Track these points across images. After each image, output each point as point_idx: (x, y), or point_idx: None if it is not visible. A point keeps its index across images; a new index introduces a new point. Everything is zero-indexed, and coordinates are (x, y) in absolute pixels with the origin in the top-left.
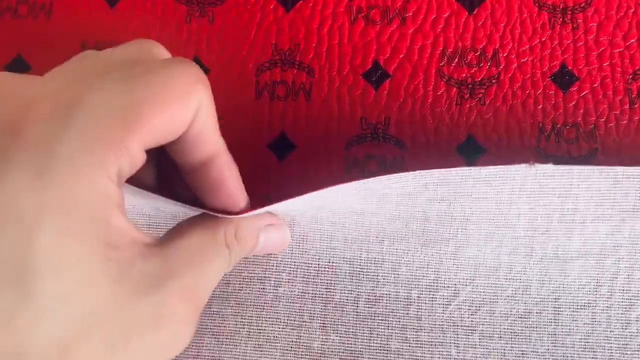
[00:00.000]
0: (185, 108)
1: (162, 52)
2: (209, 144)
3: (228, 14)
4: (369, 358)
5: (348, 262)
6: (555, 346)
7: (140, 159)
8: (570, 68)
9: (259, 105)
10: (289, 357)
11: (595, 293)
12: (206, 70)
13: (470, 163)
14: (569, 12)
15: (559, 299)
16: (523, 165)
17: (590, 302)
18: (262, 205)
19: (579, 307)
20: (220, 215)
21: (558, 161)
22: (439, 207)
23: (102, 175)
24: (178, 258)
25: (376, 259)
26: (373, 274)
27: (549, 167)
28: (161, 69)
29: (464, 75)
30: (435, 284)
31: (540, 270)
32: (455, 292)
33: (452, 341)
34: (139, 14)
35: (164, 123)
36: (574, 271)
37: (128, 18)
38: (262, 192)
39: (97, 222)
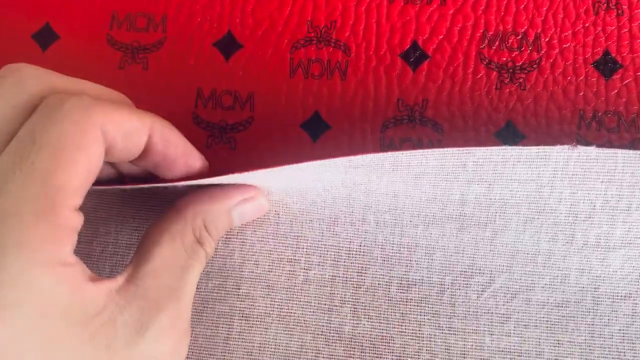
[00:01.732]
0: (93, 148)
1: (37, 77)
2: (137, 137)
3: None
4: (400, 344)
5: (380, 247)
6: (592, 336)
7: (79, 220)
8: (613, 55)
9: (293, 83)
10: (319, 341)
11: (638, 283)
12: (239, 46)
13: None
14: None
15: (598, 288)
16: (565, 147)
17: (631, 292)
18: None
19: (620, 297)
20: (182, 184)
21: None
22: (477, 190)
23: (55, 270)
24: (155, 288)
25: (409, 244)
26: (406, 259)
27: (592, 150)
28: (50, 125)
29: (504, 59)
30: (471, 270)
31: (581, 259)
32: (491, 278)
33: (486, 329)
34: None
35: (85, 174)
36: (616, 260)
37: None
38: None
39: (71, 316)
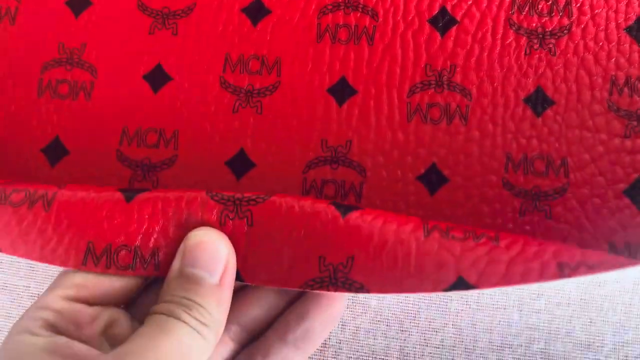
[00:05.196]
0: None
1: None
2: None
3: None
4: (426, 317)
5: None
6: (628, 318)
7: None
8: None
9: (320, 48)
10: (346, 313)
11: None
12: (267, 11)
13: (537, 114)
14: None
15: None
16: None
17: None
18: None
19: None
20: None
21: (630, 116)
22: None
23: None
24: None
25: None
26: None
27: None
28: None
29: (534, 24)
30: None
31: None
32: None
33: (515, 305)
34: None
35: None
36: None
37: None
38: (319, 137)
39: None
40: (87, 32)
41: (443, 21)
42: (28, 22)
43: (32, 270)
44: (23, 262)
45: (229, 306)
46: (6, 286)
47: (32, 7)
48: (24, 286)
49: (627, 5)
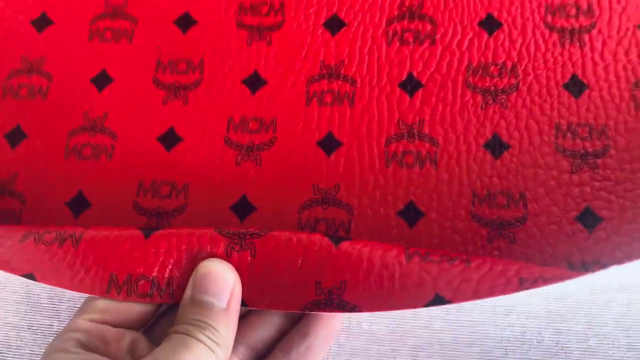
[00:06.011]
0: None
1: None
2: None
3: (283, 37)
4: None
5: None
6: (590, 326)
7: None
8: (580, 78)
9: (309, 110)
10: (340, 336)
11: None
12: (264, 82)
13: (496, 157)
14: (577, 34)
15: (594, 282)
16: None
17: (625, 285)
18: (310, 194)
19: (614, 289)
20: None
21: (575, 155)
22: None
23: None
24: None
25: None
26: None
27: None
28: None
29: (487, 84)
30: None
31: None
32: None
33: (491, 320)
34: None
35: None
36: None
37: (198, 41)
38: (311, 182)
39: None
40: (108, 103)
41: (411, 85)
42: (58, 96)
43: (55, 311)
44: (45, 301)
45: (237, 327)
46: (31, 326)
47: (61, 84)
48: (47, 325)
49: (563, 66)
